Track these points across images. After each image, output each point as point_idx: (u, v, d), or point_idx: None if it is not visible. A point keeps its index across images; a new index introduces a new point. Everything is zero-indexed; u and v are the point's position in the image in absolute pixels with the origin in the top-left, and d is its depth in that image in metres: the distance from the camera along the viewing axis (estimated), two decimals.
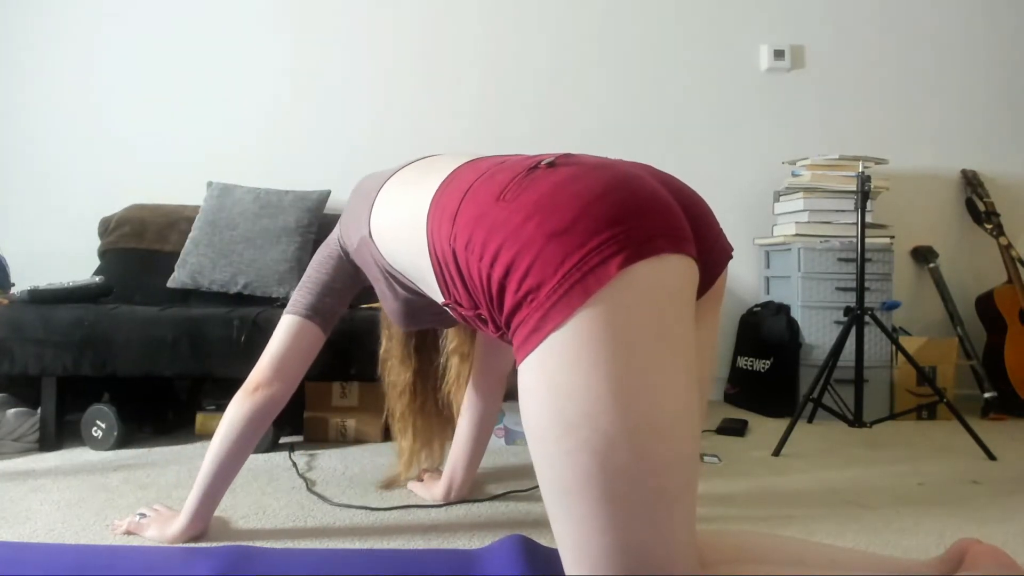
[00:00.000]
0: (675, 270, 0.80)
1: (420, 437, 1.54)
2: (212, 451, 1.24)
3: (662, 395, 0.75)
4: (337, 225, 1.31)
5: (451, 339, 1.55)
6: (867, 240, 2.33)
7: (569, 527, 0.76)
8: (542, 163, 0.86)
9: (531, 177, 0.84)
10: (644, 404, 0.74)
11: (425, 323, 1.27)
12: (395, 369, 1.52)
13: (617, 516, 0.73)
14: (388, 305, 1.22)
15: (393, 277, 1.12)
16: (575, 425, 0.73)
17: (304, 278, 1.33)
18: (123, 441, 1.95)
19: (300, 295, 1.30)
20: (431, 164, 1.08)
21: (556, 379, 0.75)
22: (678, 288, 0.80)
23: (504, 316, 0.81)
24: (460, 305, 0.91)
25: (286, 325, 1.29)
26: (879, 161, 2.69)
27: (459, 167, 0.96)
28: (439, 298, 0.97)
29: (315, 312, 1.28)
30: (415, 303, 1.16)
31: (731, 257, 0.94)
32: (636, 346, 0.75)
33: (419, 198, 0.97)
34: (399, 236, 1.02)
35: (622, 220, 0.77)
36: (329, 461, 1.85)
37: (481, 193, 0.86)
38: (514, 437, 2.07)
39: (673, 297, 0.79)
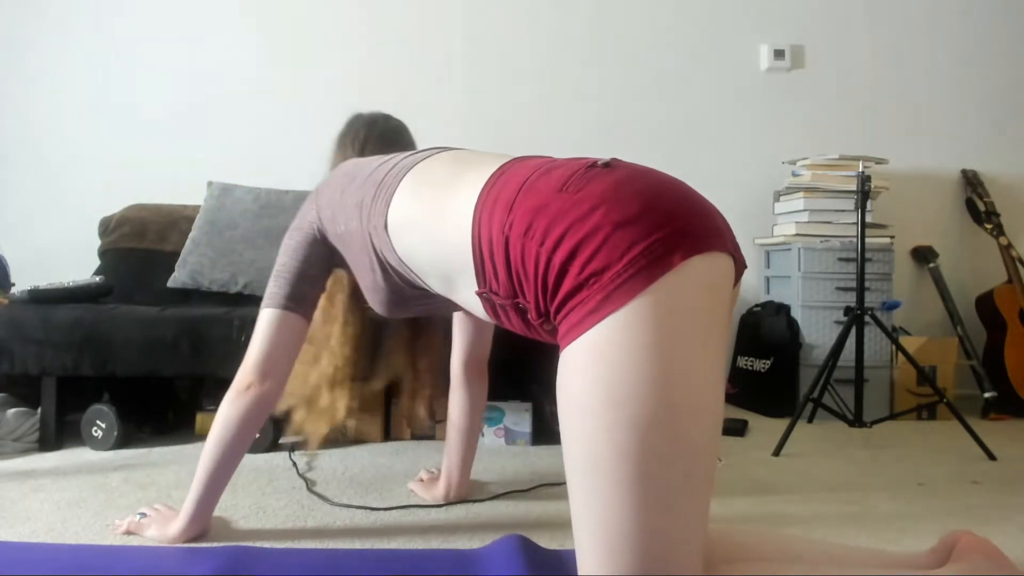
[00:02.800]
0: (722, 267, 0.85)
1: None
2: (208, 452, 1.23)
3: (704, 383, 0.79)
4: (311, 208, 1.27)
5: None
6: (867, 240, 2.33)
7: (593, 507, 0.78)
8: (599, 163, 0.90)
9: (591, 174, 0.88)
10: (690, 390, 0.78)
11: (410, 312, 1.28)
12: (340, 320, 1.41)
13: (645, 498, 0.75)
14: (374, 295, 1.21)
15: (392, 268, 1.12)
16: (621, 402, 0.76)
17: (278, 267, 1.28)
18: (123, 441, 1.95)
19: (276, 286, 1.26)
20: (463, 160, 1.08)
21: (609, 357, 0.77)
22: (723, 284, 0.85)
23: (558, 300, 0.83)
24: (496, 294, 0.93)
25: (268, 320, 1.25)
26: (879, 161, 2.69)
27: (506, 164, 0.99)
28: (471, 288, 0.98)
29: (296, 302, 1.25)
30: (405, 293, 1.16)
31: (746, 267, 0.97)
32: (689, 334, 0.79)
33: (462, 192, 0.98)
34: (429, 227, 1.02)
35: (681, 217, 0.83)
36: (329, 461, 1.85)
37: (540, 185, 0.89)
38: (514, 437, 2.07)
39: (720, 291, 0.84)
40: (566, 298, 0.82)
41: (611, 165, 0.90)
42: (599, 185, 0.85)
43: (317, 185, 1.33)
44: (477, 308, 1.01)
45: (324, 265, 1.29)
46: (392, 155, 1.21)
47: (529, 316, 0.90)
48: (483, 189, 0.95)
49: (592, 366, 0.78)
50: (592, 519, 0.78)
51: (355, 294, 1.39)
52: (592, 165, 0.90)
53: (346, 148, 1.48)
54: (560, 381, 0.82)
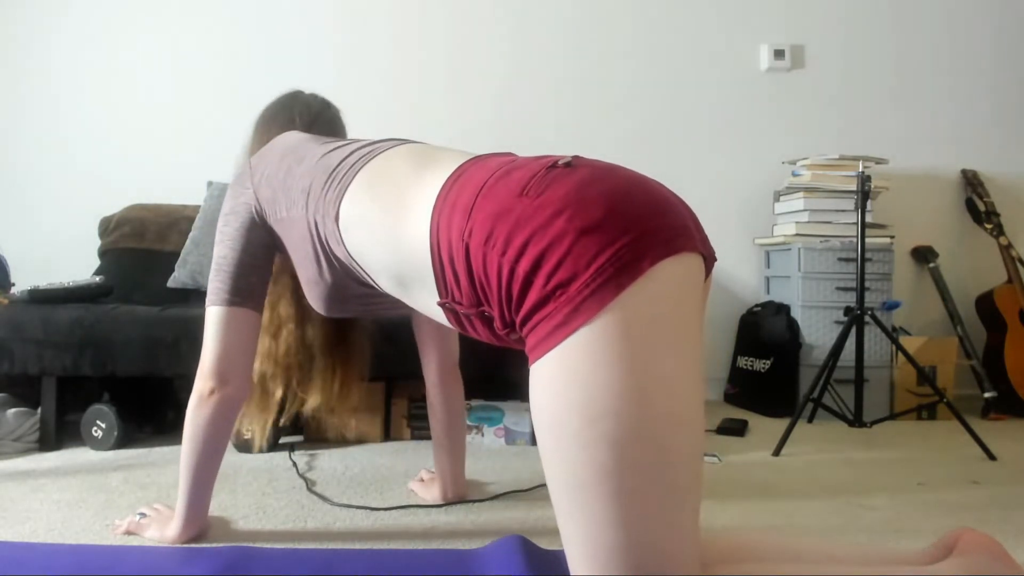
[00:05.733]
0: (692, 268, 0.82)
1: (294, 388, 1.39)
2: (184, 460, 1.21)
3: (682, 390, 0.76)
4: (246, 187, 1.20)
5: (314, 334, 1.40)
6: (867, 240, 2.33)
7: (580, 523, 0.76)
8: (559, 162, 0.85)
9: (552, 175, 0.83)
10: (667, 399, 0.75)
11: (349, 312, 1.21)
12: (286, 309, 1.35)
13: (631, 511, 0.74)
14: (313, 289, 1.15)
15: (338, 261, 1.07)
16: (597, 418, 0.73)
17: (217, 259, 1.19)
18: (123, 441, 1.95)
19: (219, 281, 1.18)
20: (423, 156, 1.01)
21: (582, 373, 0.75)
22: (694, 285, 0.82)
23: (523, 312, 0.80)
24: (459, 303, 0.89)
25: (216, 319, 1.18)
26: (879, 161, 2.69)
27: (464, 164, 0.94)
28: (431, 296, 0.94)
29: (242, 296, 1.18)
30: (349, 290, 1.11)
31: (716, 260, 0.95)
32: (663, 342, 0.76)
33: (420, 192, 0.93)
34: (384, 229, 0.96)
35: (648, 219, 0.79)
36: (329, 461, 1.85)
37: (499, 189, 0.84)
38: (514, 437, 2.07)
39: (691, 293, 0.81)
40: (532, 311, 0.78)
41: (572, 164, 0.85)
42: (561, 188, 0.81)
43: (248, 160, 1.24)
44: (438, 316, 0.97)
45: (267, 251, 1.21)
46: (347, 141, 1.15)
47: (495, 325, 0.87)
48: (440, 192, 0.90)
49: (564, 383, 0.75)
50: (580, 535, 0.76)
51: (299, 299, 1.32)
52: (553, 165, 0.85)
53: (288, 123, 1.36)
54: (533, 398, 0.79)
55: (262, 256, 1.21)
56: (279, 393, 1.36)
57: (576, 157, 0.88)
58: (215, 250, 1.21)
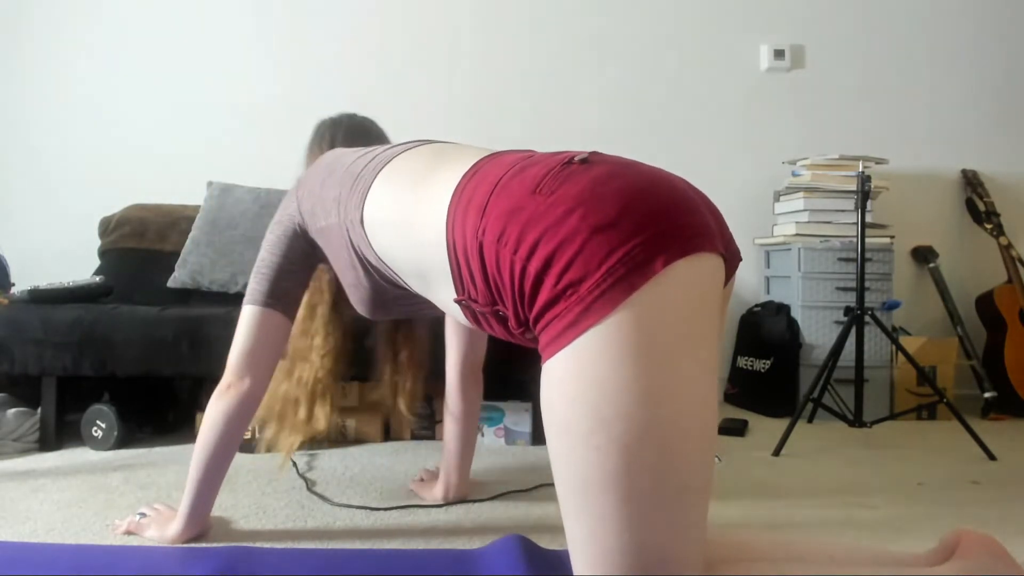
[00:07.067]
0: (710, 268, 0.80)
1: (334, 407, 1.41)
2: (197, 454, 1.23)
3: (695, 393, 0.75)
4: (292, 200, 1.26)
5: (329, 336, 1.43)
6: (867, 240, 2.33)
7: (587, 525, 0.75)
8: (576, 159, 0.84)
9: (567, 172, 0.82)
10: (679, 402, 0.74)
11: (393, 314, 1.26)
12: (321, 332, 1.39)
13: (639, 514, 0.73)
14: (356, 294, 1.19)
15: (371, 266, 1.09)
16: (608, 421, 0.72)
17: (259, 263, 1.26)
18: (123, 441, 1.95)
19: (256, 283, 1.24)
20: (440, 154, 1.03)
21: (593, 375, 0.74)
22: (712, 286, 0.80)
23: (535, 311, 0.79)
24: (475, 301, 0.89)
25: (247, 317, 1.24)
26: (879, 161, 2.69)
27: (480, 160, 0.93)
28: (449, 294, 0.94)
29: (275, 299, 1.23)
30: (388, 293, 1.14)
31: (741, 260, 0.93)
32: (675, 344, 0.75)
33: (436, 190, 0.93)
34: (404, 226, 0.97)
35: (664, 218, 0.77)
36: (329, 461, 1.85)
37: (513, 186, 0.84)
38: (514, 437, 2.07)
39: (708, 295, 0.79)
40: (543, 309, 0.78)
41: (589, 160, 0.83)
42: (575, 185, 0.79)
43: (298, 177, 1.31)
44: (458, 314, 0.97)
45: (306, 260, 1.27)
46: (372, 147, 1.18)
47: (509, 324, 0.86)
48: (456, 189, 0.90)
49: (574, 383, 0.75)
50: (585, 536, 0.76)
51: (336, 306, 1.39)
52: (568, 162, 0.83)
53: (316, 152, 1.45)
54: (543, 396, 0.79)
55: (300, 263, 1.26)
56: (302, 414, 1.38)
57: (594, 153, 0.87)
58: (259, 254, 1.27)
